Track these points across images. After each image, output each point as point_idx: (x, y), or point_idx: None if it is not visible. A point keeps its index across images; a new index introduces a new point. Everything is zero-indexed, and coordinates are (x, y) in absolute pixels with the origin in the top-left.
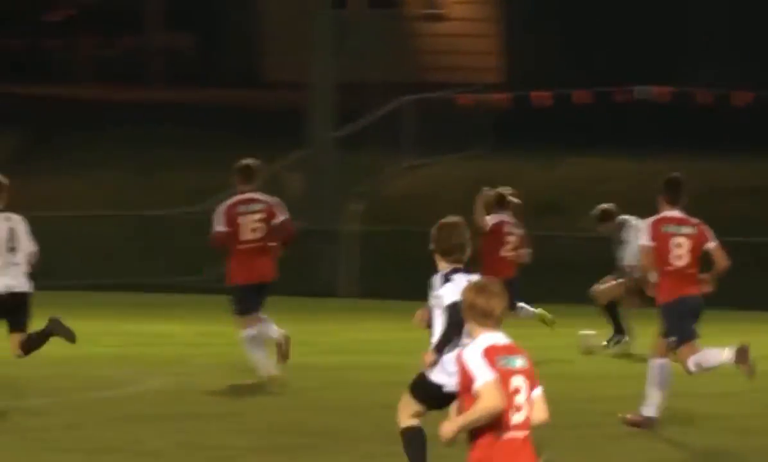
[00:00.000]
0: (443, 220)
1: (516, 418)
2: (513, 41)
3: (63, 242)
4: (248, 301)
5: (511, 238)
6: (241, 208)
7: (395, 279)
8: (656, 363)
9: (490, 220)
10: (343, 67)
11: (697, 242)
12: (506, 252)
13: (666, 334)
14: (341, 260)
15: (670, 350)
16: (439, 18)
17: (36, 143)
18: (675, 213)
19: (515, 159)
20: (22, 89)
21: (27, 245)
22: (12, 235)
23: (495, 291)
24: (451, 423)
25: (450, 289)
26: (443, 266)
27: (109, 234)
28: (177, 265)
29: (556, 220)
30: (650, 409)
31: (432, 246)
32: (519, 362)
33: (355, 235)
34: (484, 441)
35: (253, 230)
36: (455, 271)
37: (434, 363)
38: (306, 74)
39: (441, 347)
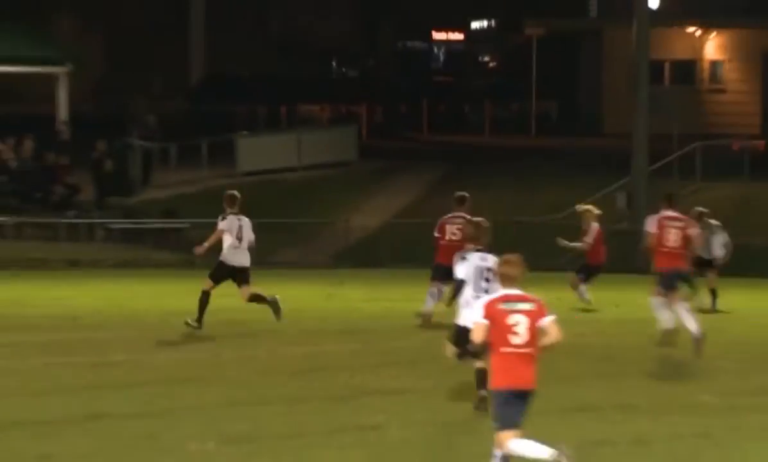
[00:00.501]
0: (475, 219)
1: (514, 340)
2: None
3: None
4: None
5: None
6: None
7: None
8: (656, 300)
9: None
10: (656, 122)
11: (686, 227)
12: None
13: (665, 286)
14: None
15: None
16: (721, 91)
17: (456, 172)
18: (671, 212)
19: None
20: (446, 138)
21: (249, 236)
22: (240, 229)
23: (512, 261)
24: (473, 336)
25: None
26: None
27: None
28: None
29: None
30: (666, 324)
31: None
32: (521, 306)
33: None
34: (493, 354)
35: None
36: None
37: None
38: (632, 127)
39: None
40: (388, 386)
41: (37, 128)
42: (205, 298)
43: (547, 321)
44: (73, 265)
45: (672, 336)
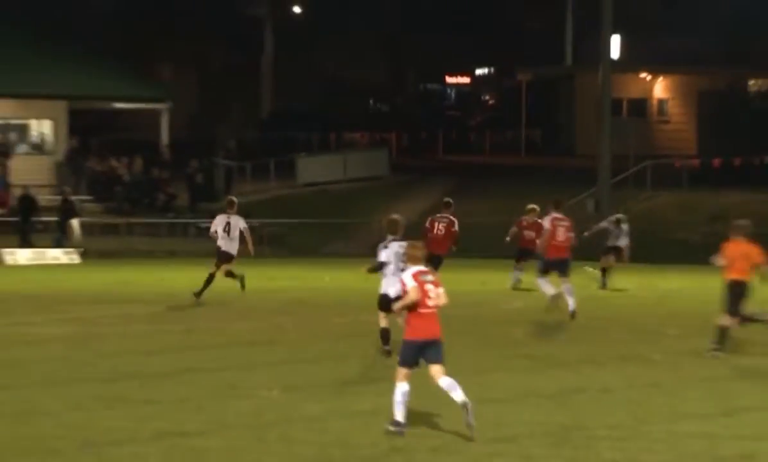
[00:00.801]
0: (390, 217)
1: (429, 302)
2: (701, 131)
3: None
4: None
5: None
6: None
7: None
8: (541, 280)
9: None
10: (617, 146)
11: (569, 227)
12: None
13: (543, 270)
14: None
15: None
16: (666, 122)
17: (463, 183)
18: (558, 214)
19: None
20: (456, 158)
21: (242, 227)
22: (228, 225)
23: (417, 246)
24: (398, 305)
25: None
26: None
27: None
28: None
29: None
30: (550, 293)
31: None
32: (430, 278)
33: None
34: (414, 313)
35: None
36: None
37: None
38: (598, 150)
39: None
40: None
41: (145, 150)
42: (210, 278)
43: (442, 290)
44: (172, 255)
45: (557, 300)
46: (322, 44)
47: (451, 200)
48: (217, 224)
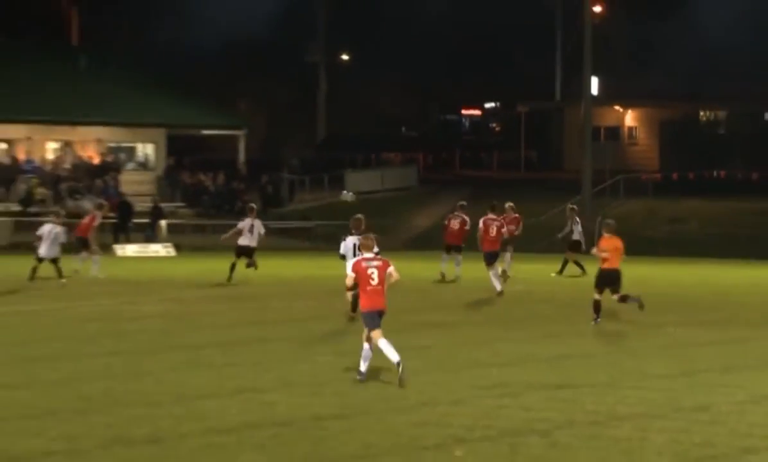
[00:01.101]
0: (354, 216)
1: (371, 282)
2: (663, 152)
3: None
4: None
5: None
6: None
7: None
8: (492, 270)
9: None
10: (596, 163)
11: (501, 225)
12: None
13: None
14: None
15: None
16: (635, 144)
17: (476, 193)
18: (493, 215)
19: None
20: (470, 173)
21: (260, 230)
22: (251, 227)
23: (369, 237)
24: (347, 282)
25: (344, 243)
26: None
27: None
28: None
29: None
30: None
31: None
32: (374, 263)
33: None
34: (362, 291)
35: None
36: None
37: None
38: (581, 166)
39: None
40: (433, 320)
41: (226, 167)
42: (233, 266)
43: (390, 269)
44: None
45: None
46: (364, 83)
47: (465, 203)
48: (244, 226)
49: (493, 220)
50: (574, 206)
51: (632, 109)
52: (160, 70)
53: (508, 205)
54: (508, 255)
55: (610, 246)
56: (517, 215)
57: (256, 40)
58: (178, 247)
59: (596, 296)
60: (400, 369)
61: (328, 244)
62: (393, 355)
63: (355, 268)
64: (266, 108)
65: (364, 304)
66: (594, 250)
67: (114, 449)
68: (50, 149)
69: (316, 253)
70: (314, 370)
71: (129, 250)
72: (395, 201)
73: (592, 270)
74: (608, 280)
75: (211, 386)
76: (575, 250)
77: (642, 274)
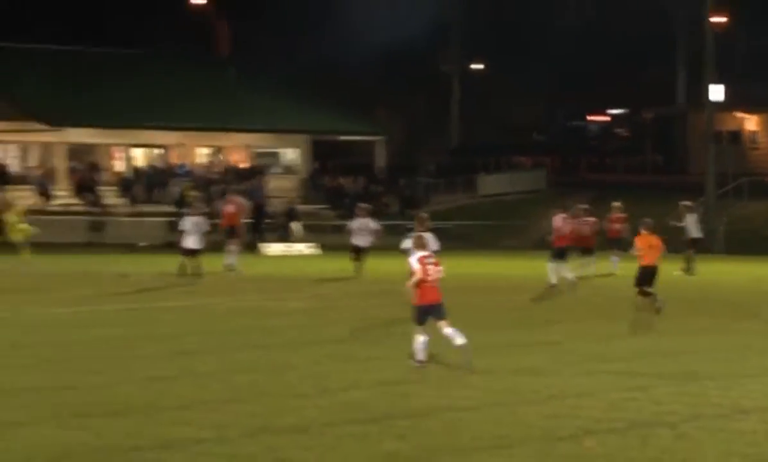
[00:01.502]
0: (419, 214)
1: (430, 278)
2: None
3: None
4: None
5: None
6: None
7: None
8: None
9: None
10: (719, 166)
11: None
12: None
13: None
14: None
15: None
16: (756, 148)
17: (602, 195)
18: (564, 214)
19: None
20: (596, 176)
21: (373, 226)
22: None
23: (423, 237)
24: (408, 284)
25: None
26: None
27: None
28: None
29: None
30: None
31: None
32: (432, 259)
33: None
34: (420, 286)
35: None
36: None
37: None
38: (705, 169)
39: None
40: (559, 318)
41: (366, 171)
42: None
43: (440, 268)
44: (385, 250)
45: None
46: (496, 92)
47: (573, 204)
48: (355, 226)
49: (571, 217)
50: (688, 203)
51: (753, 114)
52: (305, 79)
53: (616, 204)
54: (592, 258)
55: (644, 244)
56: (622, 215)
57: (395, 51)
58: (323, 247)
59: (640, 294)
60: (466, 352)
61: (464, 242)
62: (459, 340)
63: (420, 263)
64: (404, 115)
65: (420, 299)
66: (631, 250)
67: (260, 437)
68: (201, 154)
69: (448, 253)
70: (448, 363)
71: (275, 248)
72: (525, 203)
73: (701, 268)
74: (647, 276)
75: (352, 379)
76: (694, 246)
77: (764, 274)
